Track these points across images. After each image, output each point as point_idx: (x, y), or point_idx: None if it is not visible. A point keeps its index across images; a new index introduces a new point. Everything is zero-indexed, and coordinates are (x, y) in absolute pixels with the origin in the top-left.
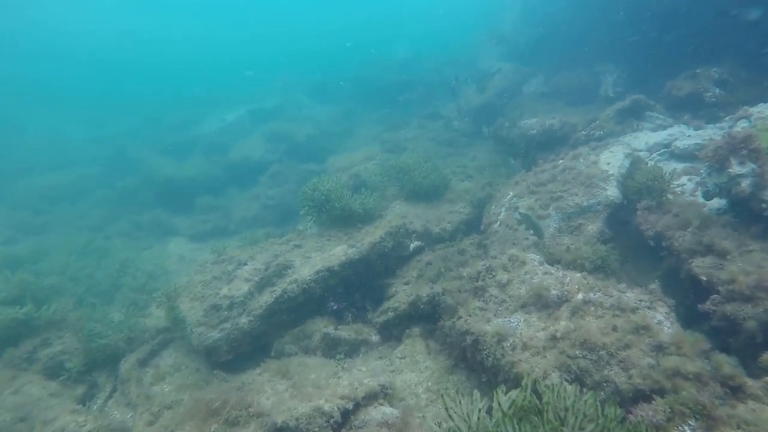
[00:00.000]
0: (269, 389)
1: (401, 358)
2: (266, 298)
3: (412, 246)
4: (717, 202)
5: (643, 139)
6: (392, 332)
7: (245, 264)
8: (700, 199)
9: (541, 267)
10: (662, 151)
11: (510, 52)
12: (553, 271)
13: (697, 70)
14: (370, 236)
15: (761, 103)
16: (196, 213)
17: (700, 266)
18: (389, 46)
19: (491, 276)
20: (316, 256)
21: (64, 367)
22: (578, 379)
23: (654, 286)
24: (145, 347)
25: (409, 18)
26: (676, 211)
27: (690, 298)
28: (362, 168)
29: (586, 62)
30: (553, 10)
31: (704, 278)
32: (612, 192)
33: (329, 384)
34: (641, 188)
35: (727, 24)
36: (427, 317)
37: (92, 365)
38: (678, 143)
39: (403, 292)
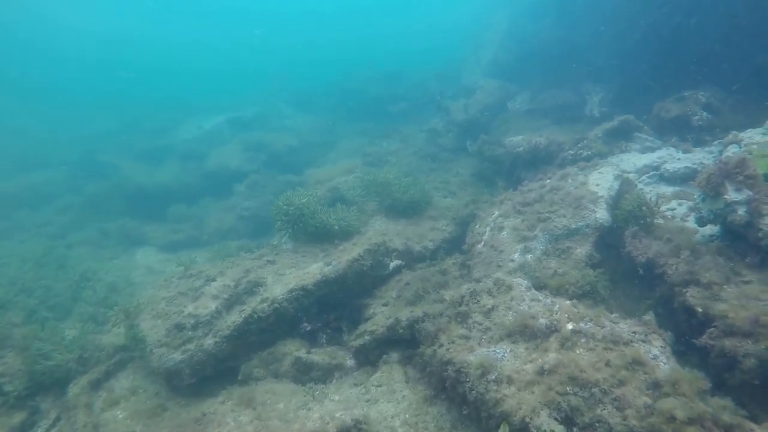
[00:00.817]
0: (231, 421)
1: (377, 386)
2: (234, 317)
3: (391, 265)
4: (710, 229)
5: (632, 160)
6: (368, 357)
7: (214, 280)
8: (692, 225)
9: (529, 293)
10: (651, 173)
11: (495, 69)
12: (542, 298)
13: (685, 93)
14: (347, 254)
15: (750, 129)
16: (168, 222)
17: (696, 296)
18: (375, 61)
19: (475, 301)
20: (290, 274)
21: (2, 391)
22: (569, 418)
23: (648, 317)
24: (100, 368)
25: (396, 34)
26: (667, 237)
27: (684, 329)
28: (342, 181)
29: (572, 81)
30: (539, 29)
31: (700, 309)
32: (601, 215)
33: (298, 417)
34: (628, 216)
35: (714, 49)
36: (406, 342)
37: (36, 389)
38: (667, 166)
39: (381, 314)
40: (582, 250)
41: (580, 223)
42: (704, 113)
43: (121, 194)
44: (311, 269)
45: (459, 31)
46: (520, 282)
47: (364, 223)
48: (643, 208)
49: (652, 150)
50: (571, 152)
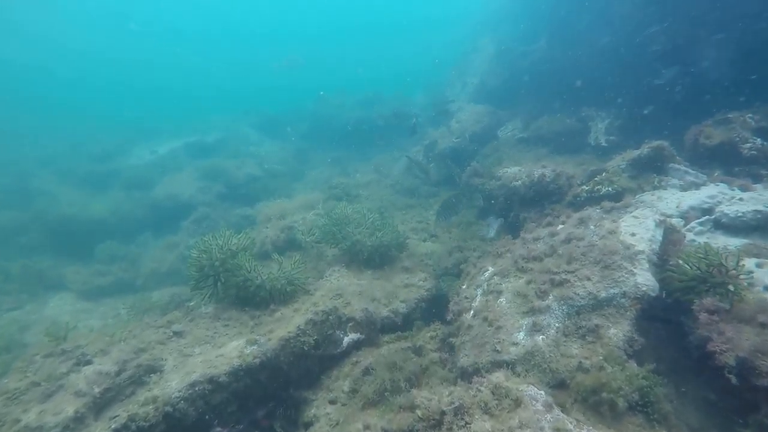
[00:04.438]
0: None
1: None
2: (102, 427)
3: (346, 340)
4: None
5: (672, 200)
6: None
7: (89, 362)
8: None
9: (549, 415)
10: (703, 219)
11: (482, 95)
12: (571, 427)
13: (730, 115)
14: (283, 326)
15: None
16: (96, 262)
17: None
18: (353, 85)
19: (462, 423)
20: (199, 356)
21: None
22: None
23: None
24: None
25: (379, 59)
26: (762, 321)
27: None
28: (299, 219)
29: (569, 107)
30: (530, 50)
31: None
32: (644, 278)
33: None
34: (691, 284)
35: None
36: None
37: None
38: (725, 209)
39: (324, 420)
40: (617, 330)
41: (612, 290)
42: (758, 140)
43: (41, 227)
44: (227, 350)
45: (444, 54)
46: (533, 393)
47: (320, 274)
48: (714, 271)
49: (697, 186)
50: (585, 188)
